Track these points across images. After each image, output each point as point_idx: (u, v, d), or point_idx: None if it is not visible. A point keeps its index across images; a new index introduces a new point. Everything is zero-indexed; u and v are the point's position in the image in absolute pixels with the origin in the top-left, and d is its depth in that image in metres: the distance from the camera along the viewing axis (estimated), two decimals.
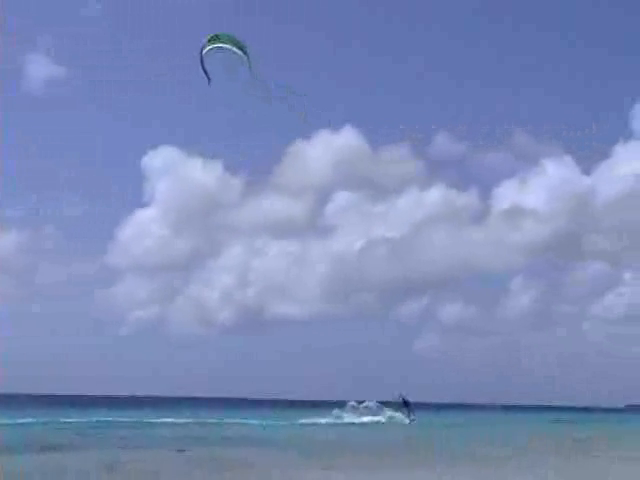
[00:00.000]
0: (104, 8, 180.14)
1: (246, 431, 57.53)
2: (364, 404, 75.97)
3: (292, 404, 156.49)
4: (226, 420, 74.55)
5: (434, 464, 30.90)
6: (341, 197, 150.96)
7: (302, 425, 68.35)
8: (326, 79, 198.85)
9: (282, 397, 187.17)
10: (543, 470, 29.10)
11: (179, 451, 36.51)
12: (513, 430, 66.19)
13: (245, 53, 19.05)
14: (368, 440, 50.60)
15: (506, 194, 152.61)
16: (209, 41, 19.04)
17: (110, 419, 69.31)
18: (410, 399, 73.85)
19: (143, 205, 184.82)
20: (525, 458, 34.34)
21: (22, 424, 58.54)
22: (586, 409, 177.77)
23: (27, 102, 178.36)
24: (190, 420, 70.88)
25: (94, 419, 68.53)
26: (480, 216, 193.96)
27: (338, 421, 73.34)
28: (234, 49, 19.01)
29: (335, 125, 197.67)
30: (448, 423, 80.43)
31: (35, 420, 63.82)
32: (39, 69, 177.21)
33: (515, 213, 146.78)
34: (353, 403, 76.65)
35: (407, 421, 71.35)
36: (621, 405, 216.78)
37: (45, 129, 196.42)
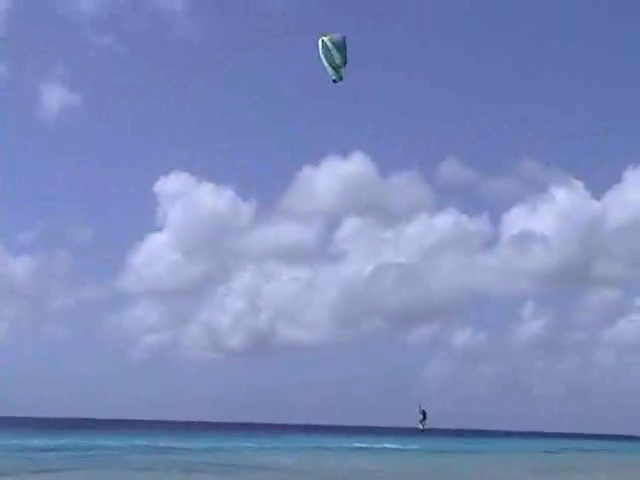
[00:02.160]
0: (118, 36, 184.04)
1: (254, 455, 57.89)
2: None
3: (302, 428, 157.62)
4: (235, 444, 74.95)
5: None
6: (351, 223, 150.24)
7: (314, 448, 69.85)
8: (337, 105, 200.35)
9: (292, 422, 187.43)
10: None
11: (185, 472, 36.97)
12: (512, 458, 66.04)
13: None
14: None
15: (516, 220, 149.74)
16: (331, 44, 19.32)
17: (120, 444, 69.31)
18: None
19: (155, 230, 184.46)
20: None
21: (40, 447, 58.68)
22: (598, 437, 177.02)
23: (41, 129, 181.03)
24: (201, 445, 71.21)
25: (103, 443, 68.87)
26: (489, 242, 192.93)
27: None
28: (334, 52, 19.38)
29: (345, 151, 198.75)
30: (456, 449, 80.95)
31: (40, 441, 64.31)
32: (53, 96, 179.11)
33: (525, 239, 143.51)
34: None
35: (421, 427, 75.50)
36: (637, 433, 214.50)
37: (58, 155, 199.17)
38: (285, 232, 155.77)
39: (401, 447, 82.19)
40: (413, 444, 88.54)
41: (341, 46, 19.48)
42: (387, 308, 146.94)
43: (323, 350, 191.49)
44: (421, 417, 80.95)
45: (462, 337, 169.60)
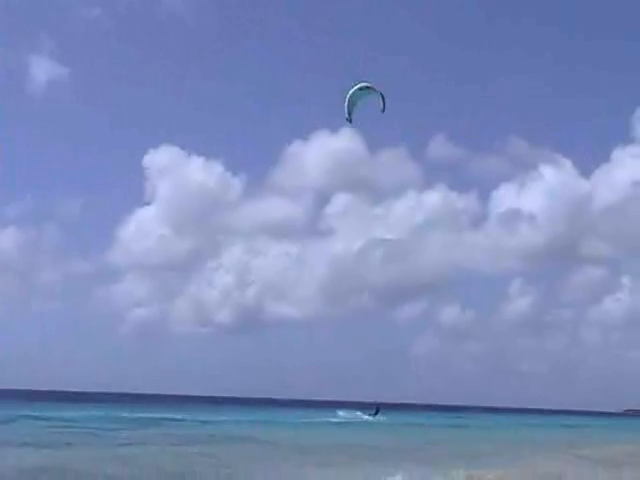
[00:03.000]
0: (105, 10, 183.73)
1: (243, 429, 57.76)
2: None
3: (288, 403, 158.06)
4: (224, 418, 75.47)
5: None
6: (339, 199, 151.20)
7: (301, 424, 69.60)
8: (324, 80, 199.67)
9: (280, 396, 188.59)
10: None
11: (174, 445, 36.98)
12: (490, 434, 66.32)
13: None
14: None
15: (504, 198, 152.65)
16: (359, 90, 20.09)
17: (108, 415, 69.33)
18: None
19: (144, 204, 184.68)
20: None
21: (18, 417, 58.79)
22: (583, 413, 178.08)
23: (28, 102, 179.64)
24: (189, 418, 71.09)
25: (91, 414, 68.69)
26: (478, 220, 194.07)
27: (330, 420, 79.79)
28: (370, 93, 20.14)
29: (334, 127, 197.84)
30: (444, 425, 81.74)
31: (29, 413, 63.97)
32: (41, 70, 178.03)
33: (513, 217, 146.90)
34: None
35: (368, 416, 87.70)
36: (619, 410, 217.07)
37: (46, 128, 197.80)
38: (274, 207, 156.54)
39: (389, 421, 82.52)
40: (400, 419, 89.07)
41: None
42: (375, 284, 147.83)
43: (311, 326, 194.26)
44: (374, 412, 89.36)
45: (450, 314, 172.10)
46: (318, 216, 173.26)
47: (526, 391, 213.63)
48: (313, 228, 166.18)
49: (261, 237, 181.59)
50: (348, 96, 19.75)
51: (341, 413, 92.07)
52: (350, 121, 20.08)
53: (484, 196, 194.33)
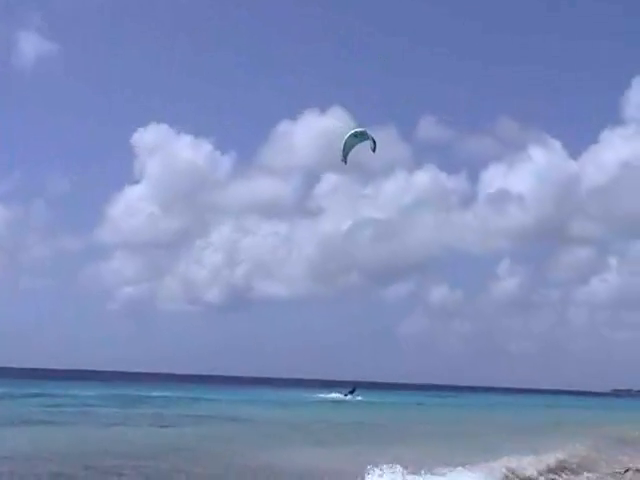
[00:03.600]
0: None
1: (229, 407, 57.84)
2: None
3: (274, 382, 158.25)
4: (212, 396, 75.39)
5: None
6: (329, 179, 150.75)
7: (283, 402, 70.58)
8: (315, 60, 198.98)
9: (268, 375, 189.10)
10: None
11: (162, 427, 36.59)
12: (473, 414, 66.10)
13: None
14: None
15: (493, 179, 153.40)
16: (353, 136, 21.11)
17: (96, 394, 69.33)
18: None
19: (133, 182, 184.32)
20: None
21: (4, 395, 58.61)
22: (572, 393, 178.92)
23: (17, 78, 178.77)
24: (176, 396, 71.29)
25: (78, 393, 68.44)
26: (467, 200, 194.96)
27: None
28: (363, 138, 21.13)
29: (323, 106, 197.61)
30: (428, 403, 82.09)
31: (19, 391, 64.08)
32: (29, 45, 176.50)
33: (502, 198, 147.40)
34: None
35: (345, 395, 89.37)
36: (607, 390, 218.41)
37: (35, 104, 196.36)
38: (263, 187, 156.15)
39: (376, 400, 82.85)
40: (388, 397, 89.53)
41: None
42: (364, 264, 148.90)
43: (300, 305, 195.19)
44: (349, 391, 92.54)
45: (438, 294, 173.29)
46: (307, 195, 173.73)
47: (514, 371, 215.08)
48: (302, 207, 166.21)
49: (250, 216, 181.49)
50: (344, 142, 20.86)
51: (321, 394, 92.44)
52: (345, 163, 21.10)
53: (473, 177, 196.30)
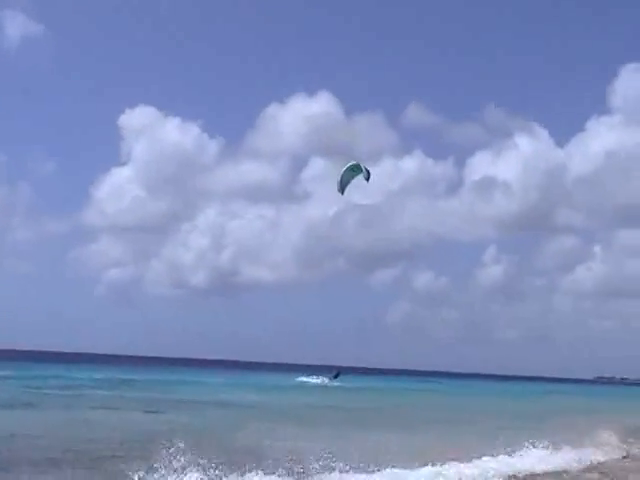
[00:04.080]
0: None
1: (215, 391, 57.66)
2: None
3: (259, 366, 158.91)
4: (197, 379, 76.15)
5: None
6: (316, 163, 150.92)
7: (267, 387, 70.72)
8: (303, 43, 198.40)
9: (254, 359, 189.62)
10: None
11: (147, 412, 36.39)
12: (461, 400, 65.94)
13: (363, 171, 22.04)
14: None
15: (479, 166, 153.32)
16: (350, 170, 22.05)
17: (81, 376, 69.12)
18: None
19: (119, 164, 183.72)
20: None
21: None
22: (556, 380, 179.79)
23: (2, 58, 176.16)
24: (162, 380, 71.43)
25: (62, 374, 68.79)
26: (454, 187, 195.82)
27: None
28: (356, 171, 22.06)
29: (311, 90, 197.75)
30: (408, 389, 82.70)
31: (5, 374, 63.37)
32: (15, 26, 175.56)
33: (488, 185, 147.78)
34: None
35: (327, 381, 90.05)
36: (590, 377, 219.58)
37: (21, 85, 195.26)
38: (250, 171, 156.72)
39: (359, 385, 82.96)
40: (371, 382, 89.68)
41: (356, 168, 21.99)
42: (351, 250, 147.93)
43: (286, 290, 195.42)
44: (333, 374, 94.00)
45: (424, 281, 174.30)
46: (294, 180, 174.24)
47: (499, 358, 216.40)
48: (289, 192, 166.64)
49: (237, 200, 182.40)
50: (340, 176, 21.80)
51: (303, 378, 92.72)
52: (342, 194, 22.05)
53: (460, 163, 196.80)
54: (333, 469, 17.70)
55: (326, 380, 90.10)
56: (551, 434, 25.34)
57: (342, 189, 22.01)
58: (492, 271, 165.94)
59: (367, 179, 21.76)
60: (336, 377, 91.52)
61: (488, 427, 31.03)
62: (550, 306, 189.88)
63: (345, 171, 21.92)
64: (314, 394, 62.93)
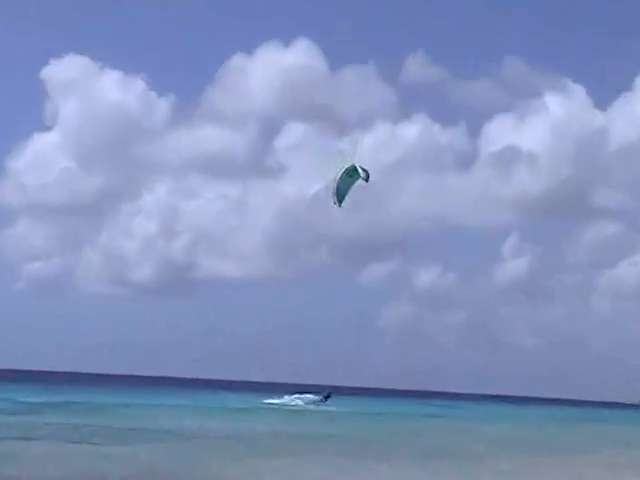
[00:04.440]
0: None
1: (161, 417, 58.06)
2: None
3: (225, 385, 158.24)
4: (140, 402, 76.33)
5: None
6: (293, 130, 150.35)
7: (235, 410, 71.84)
8: None
9: (213, 376, 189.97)
10: None
11: (79, 444, 36.08)
12: (474, 430, 65.40)
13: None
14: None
15: (498, 133, 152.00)
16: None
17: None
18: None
19: (43, 129, 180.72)
20: None
21: None
22: (589, 403, 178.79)
23: None
24: (96, 402, 71.28)
25: None
26: (466, 160, 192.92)
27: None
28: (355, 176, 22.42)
29: (286, 38, 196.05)
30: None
31: None
32: None
33: (509, 158, 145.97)
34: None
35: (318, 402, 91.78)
36: (636, 400, 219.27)
37: None
38: (210, 138, 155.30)
39: (356, 410, 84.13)
40: (369, 405, 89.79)
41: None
42: (337, 238, 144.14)
43: (256, 288, 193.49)
44: (324, 396, 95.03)
45: (428, 277, 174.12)
46: (265, 150, 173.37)
47: (520, 375, 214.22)
48: (259, 165, 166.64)
49: (193, 175, 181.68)
50: (336, 184, 22.22)
51: (286, 397, 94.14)
52: (340, 206, 22.60)
53: (474, 131, 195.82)
54: None
55: (315, 400, 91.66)
56: None
57: (339, 201, 22.33)
58: (512, 266, 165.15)
59: (366, 180, 22.20)
60: (327, 399, 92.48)
61: (506, 466, 31.10)
62: (584, 310, 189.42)
63: (341, 178, 22.19)
64: (297, 420, 63.71)
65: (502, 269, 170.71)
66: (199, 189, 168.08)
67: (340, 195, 22.29)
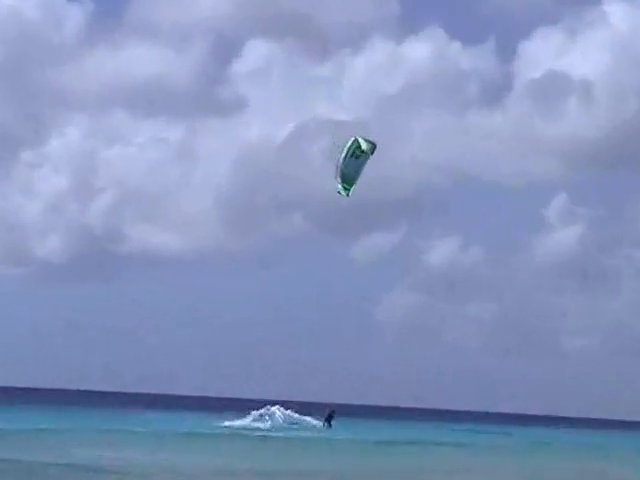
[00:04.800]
0: None
1: (76, 446, 53.37)
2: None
3: (164, 400, 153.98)
4: (48, 425, 73.35)
5: None
6: (256, 49, 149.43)
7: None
8: None
9: (146, 390, 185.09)
10: None
11: None
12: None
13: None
14: None
15: (539, 54, 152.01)
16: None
17: None
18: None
19: None
20: None
21: None
22: None
23: None
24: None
25: None
26: (495, 91, 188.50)
27: None
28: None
29: None
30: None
31: None
32: None
33: (554, 86, 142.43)
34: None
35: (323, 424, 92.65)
36: None
37: None
38: (142, 61, 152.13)
39: (367, 437, 79.04)
40: (345, 431, 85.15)
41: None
42: (318, 199, 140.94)
43: (206, 268, 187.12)
44: (325, 418, 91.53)
45: (443, 254, 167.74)
46: (218, 78, 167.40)
47: (561, 385, 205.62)
48: (209, 99, 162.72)
49: (118, 112, 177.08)
50: (340, 169, 24.04)
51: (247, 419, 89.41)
52: (348, 195, 24.58)
53: (506, 51, 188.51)
54: None
55: (313, 425, 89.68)
56: None
57: (348, 188, 24.21)
58: (559, 238, 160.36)
59: (372, 152, 23.90)
60: (329, 420, 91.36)
61: None
62: None
63: (345, 162, 23.95)
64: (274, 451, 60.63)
65: (545, 242, 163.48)
66: (126, 131, 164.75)
67: (349, 182, 24.01)
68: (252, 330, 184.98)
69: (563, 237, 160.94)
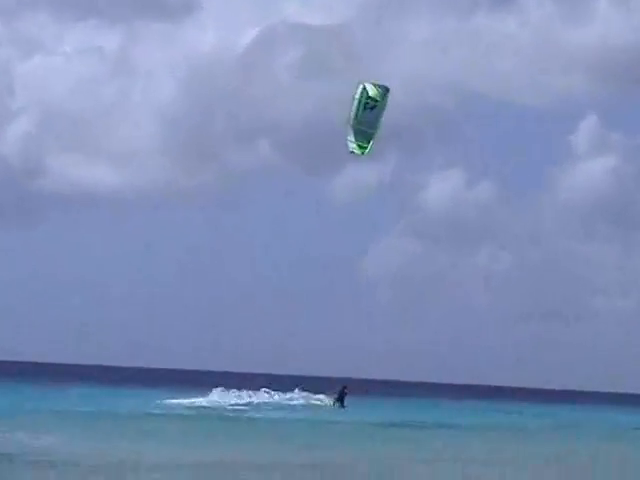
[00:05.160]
0: None
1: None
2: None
3: (112, 373, 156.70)
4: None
5: None
6: None
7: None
8: None
9: (89, 361, 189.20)
10: None
11: None
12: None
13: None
14: None
15: None
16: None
17: None
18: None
19: None
20: None
21: None
22: None
23: None
24: None
25: None
26: None
27: None
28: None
29: None
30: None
31: None
32: None
33: None
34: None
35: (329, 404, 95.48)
36: None
37: None
38: None
39: (319, 418, 78.61)
40: (338, 415, 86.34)
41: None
42: (288, 123, 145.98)
43: (149, 210, 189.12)
44: (335, 398, 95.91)
45: (442, 189, 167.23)
46: None
47: (592, 358, 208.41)
48: None
49: (39, 14, 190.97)
50: (353, 126, 26.09)
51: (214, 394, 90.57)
52: (363, 153, 26.96)
53: None
54: None
55: (326, 403, 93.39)
56: None
57: (364, 146, 25.95)
58: (588, 170, 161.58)
59: (384, 98, 25.58)
60: (340, 400, 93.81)
61: None
62: None
63: (357, 117, 25.56)
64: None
65: (572, 176, 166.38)
66: (49, 38, 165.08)
67: (365, 139, 25.72)
68: (208, 289, 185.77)
69: (592, 170, 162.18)
